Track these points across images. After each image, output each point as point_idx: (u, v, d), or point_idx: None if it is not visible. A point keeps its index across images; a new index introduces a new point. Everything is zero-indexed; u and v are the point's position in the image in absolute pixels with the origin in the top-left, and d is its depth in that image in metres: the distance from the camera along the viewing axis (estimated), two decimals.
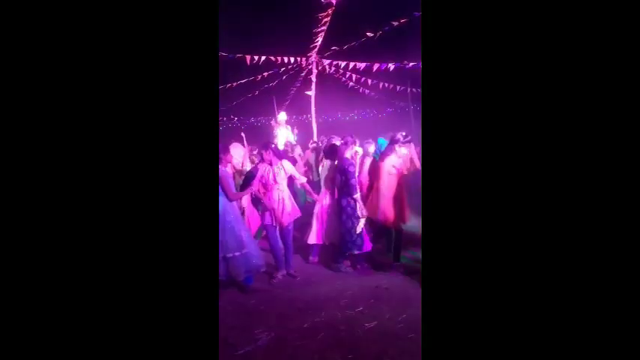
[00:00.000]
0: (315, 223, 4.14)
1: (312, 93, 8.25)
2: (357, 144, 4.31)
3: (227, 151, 3.67)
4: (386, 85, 9.22)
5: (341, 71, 8.93)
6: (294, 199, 4.00)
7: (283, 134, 6.95)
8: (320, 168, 4.92)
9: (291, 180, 3.98)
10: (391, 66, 7.54)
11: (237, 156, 4.35)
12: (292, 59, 7.77)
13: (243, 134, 4.99)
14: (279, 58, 7.61)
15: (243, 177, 4.21)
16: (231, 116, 14.30)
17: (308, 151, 4.96)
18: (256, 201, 4.08)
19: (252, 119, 15.06)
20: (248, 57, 7.20)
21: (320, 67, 8.36)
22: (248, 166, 4.46)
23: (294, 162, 4.84)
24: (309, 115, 8.46)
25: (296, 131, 7.40)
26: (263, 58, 7.36)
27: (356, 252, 3.83)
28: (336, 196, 3.97)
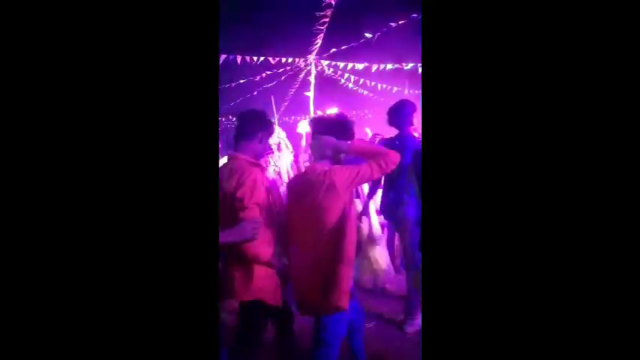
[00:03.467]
0: None
1: (310, 94, 8.24)
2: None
3: None
4: (384, 86, 9.23)
5: (340, 72, 8.94)
6: None
7: None
8: None
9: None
10: (389, 67, 7.55)
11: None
12: (291, 60, 7.77)
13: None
14: (278, 59, 7.61)
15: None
16: (230, 116, 14.25)
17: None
18: None
19: None
20: (247, 57, 7.19)
21: (319, 68, 8.36)
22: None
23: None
24: (307, 116, 8.46)
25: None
26: (262, 58, 7.36)
27: None
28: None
